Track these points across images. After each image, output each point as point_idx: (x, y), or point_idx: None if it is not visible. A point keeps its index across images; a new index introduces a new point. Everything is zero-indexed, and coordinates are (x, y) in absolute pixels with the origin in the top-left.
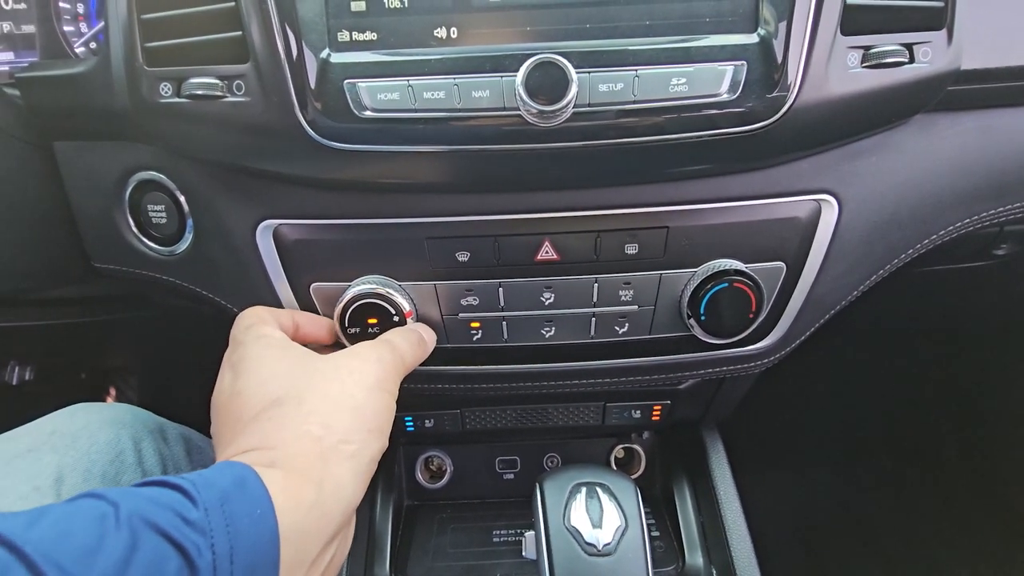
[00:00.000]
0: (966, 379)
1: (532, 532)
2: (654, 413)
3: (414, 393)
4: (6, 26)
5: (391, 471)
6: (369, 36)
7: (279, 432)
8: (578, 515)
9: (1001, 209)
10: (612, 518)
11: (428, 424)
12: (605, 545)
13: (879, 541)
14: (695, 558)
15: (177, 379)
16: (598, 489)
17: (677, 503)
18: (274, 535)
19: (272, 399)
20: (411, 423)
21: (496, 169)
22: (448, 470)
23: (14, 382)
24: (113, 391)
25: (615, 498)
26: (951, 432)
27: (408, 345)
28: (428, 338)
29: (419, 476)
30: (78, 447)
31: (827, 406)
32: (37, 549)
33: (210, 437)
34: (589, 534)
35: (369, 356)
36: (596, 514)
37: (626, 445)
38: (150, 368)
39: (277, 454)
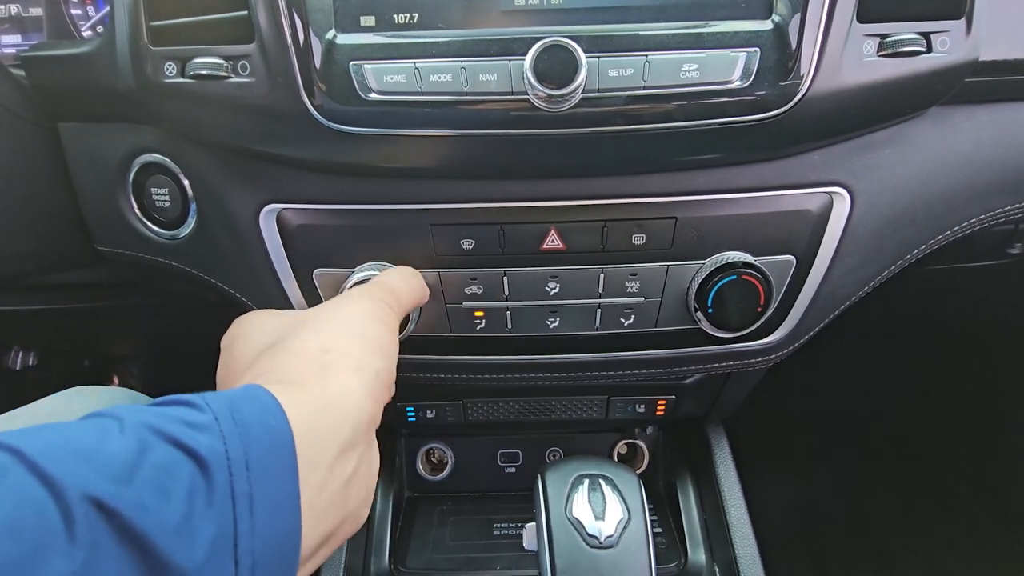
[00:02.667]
0: (976, 380)
1: (533, 523)
2: (658, 408)
3: (416, 382)
4: (14, 8)
5: (392, 462)
6: (376, 18)
7: (278, 360)
8: (580, 507)
9: (1017, 205)
10: (615, 510)
11: (430, 415)
12: (607, 537)
13: (883, 543)
14: (698, 555)
15: (180, 367)
16: (601, 481)
17: (680, 499)
18: (288, 440)
19: (267, 344)
20: (412, 413)
21: (502, 155)
22: (449, 462)
23: (17, 367)
24: (115, 379)
25: (618, 490)
26: (959, 434)
27: (401, 281)
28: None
29: (420, 468)
30: None
31: (833, 405)
32: (39, 450)
33: None
34: (591, 526)
35: (360, 294)
36: (599, 506)
37: (629, 440)
38: (153, 356)
39: (279, 375)
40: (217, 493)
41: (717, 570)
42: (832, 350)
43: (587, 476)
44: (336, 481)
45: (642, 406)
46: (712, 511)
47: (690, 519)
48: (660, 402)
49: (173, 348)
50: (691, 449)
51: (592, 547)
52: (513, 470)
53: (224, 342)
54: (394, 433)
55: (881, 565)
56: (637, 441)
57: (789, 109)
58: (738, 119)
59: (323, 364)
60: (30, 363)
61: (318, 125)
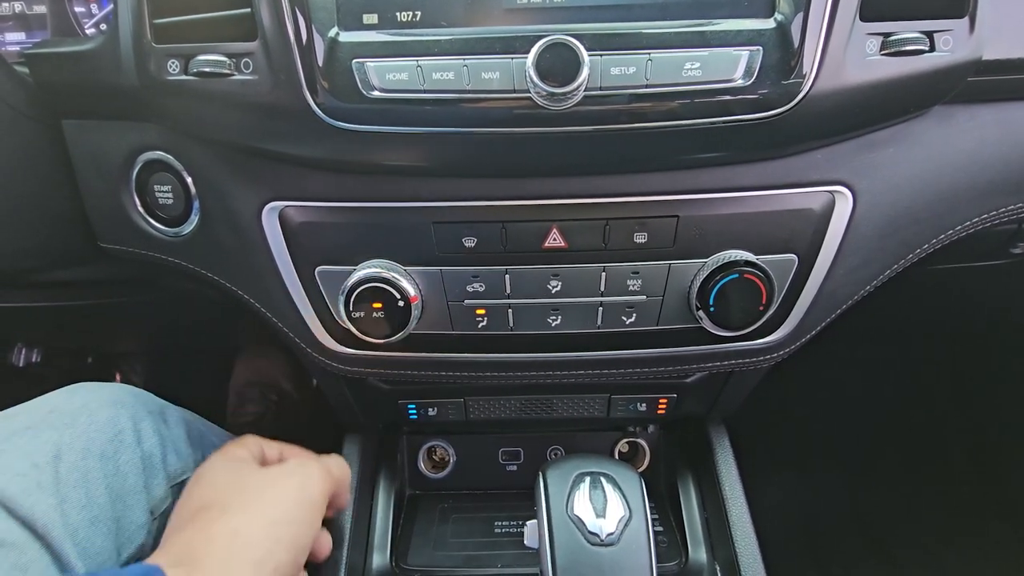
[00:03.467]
0: (977, 380)
1: (534, 521)
2: (659, 407)
3: (417, 380)
4: (18, 6)
5: (393, 460)
6: (378, 15)
7: (196, 536)
8: (581, 504)
9: (1020, 205)
10: (616, 508)
11: (431, 412)
12: (608, 535)
13: (884, 543)
14: (699, 554)
15: (183, 365)
16: (602, 479)
17: (681, 498)
18: None
19: (204, 504)
20: (414, 411)
21: (504, 153)
22: (451, 460)
23: (20, 364)
24: (118, 376)
25: (619, 488)
26: (961, 433)
27: (340, 470)
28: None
29: (421, 465)
30: (77, 425)
31: (835, 404)
32: None
33: (212, 422)
34: (592, 523)
35: (300, 471)
36: (600, 504)
37: (630, 439)
38: (156, 353)
39: (190, 556)
40: None
41: (718, 569)
42: (834, 349)
43: (588, 474)
44: None
45: (643, 405)
46: (713, 510)
47: (691, 518)
48: (661, 401)
49: (176, 345)
50: (692, 448)
51: (593, 545)
52: (514, 468)
53: (197, 471)
54: (396, 431)
55: (882, 563)
56: (638, 440)
57: (791, 108)
58: (740, 118)
59: (229, 555)
60: (33, 360)
61: (320, 123)
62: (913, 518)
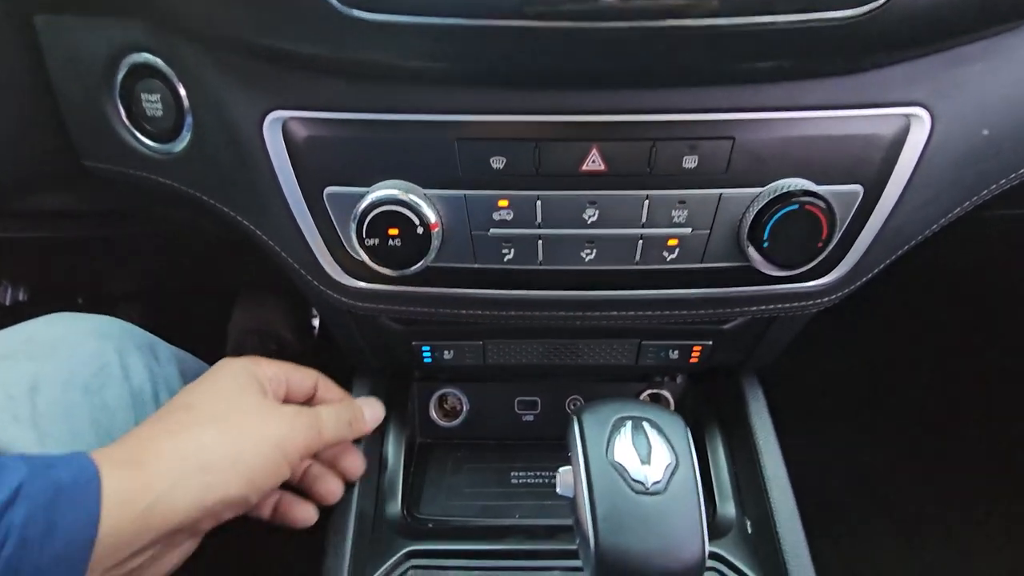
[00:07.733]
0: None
1: (567, 468)
2: (693, 354)
3: (433, 319)
4: None
5: (404, 407)
6: None
7: (160, 437)
8: (623, 450)
9: None
10: (661, 455)
11: (447, 355)
12: (654, 483)
13: (896, 508)
14: (727, 508)
15: (177, 308)
16: (645, 424)
17: (708, 452)
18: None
19: (187, 405)
20: (428, 354)
21: (539, 53)
22: (463, 409)
23: (7, 302)
24: None
25: (663, 434)
26: (1007, 399)
27: (334, 424)
28: (370, 418)
29: (433, 414)
30: (57, 356)
31: (853, 367)
32: None
33: (207, 364)
34: (636, 471)
35: (288, 420)
36: (644, 450)
37: (654, 391)
38: (149, 295)
39: (142, 457)
40: None
41: (749, 525)
42: (862, 308)
43: (629, 418)
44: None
45: (676, 352)
46: (744, 465)
47: (719, 471)
48: (695, 348)
49: (170, 286)
50: (720, 400)
51: (637, 492)
52: (531, 418)
53: (211, 369)
54: (407, 377)
55: (895, 530)
56: (662, 391)
57: (876, 8)
58: (812, 17)
59: (183, 465)
60: (20, 298)
61: (332, 10)
62: (937, 495)
